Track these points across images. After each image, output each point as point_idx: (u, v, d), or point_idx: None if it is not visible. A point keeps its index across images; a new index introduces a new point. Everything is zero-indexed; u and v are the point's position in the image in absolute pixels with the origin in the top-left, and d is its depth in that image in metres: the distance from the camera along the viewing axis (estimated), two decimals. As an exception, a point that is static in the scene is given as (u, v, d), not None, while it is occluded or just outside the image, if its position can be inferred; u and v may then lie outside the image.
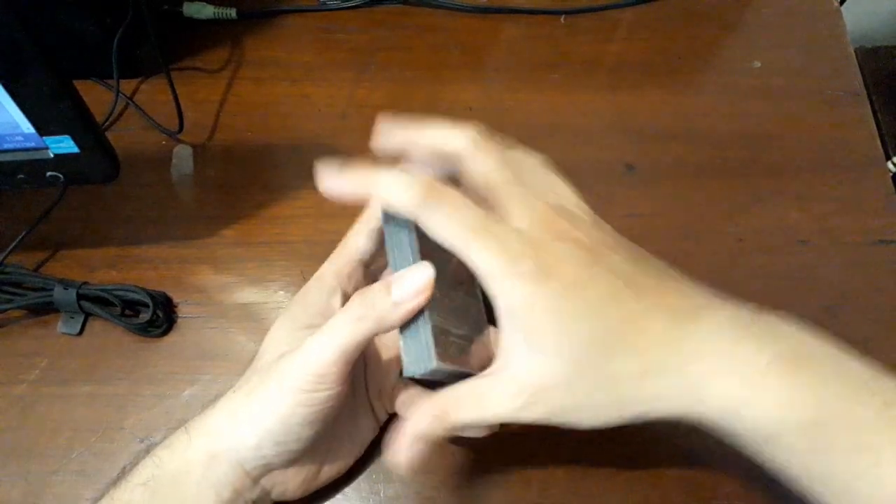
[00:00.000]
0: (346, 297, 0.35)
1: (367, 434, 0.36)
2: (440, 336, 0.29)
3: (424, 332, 0.29)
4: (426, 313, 0.29)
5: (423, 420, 0.29)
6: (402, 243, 0.30)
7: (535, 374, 0.28)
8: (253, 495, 0.32)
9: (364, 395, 0.36)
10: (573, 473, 0.38)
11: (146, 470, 0.31)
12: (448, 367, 0.29)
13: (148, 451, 0.32)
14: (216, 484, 0.31)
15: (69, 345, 0.41)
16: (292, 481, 0.33)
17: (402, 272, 0.30)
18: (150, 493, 0.31)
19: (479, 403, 0.29)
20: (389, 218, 0.31)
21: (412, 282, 0.29)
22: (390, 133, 0.32)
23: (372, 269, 0.37)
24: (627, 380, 0.28)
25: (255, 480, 0.32)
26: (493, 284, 0.27)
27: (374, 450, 0.38)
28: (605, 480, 0.38)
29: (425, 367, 0.29)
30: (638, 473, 0.38)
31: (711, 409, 0.28)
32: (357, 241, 0.35)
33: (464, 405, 0.29)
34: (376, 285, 0.30)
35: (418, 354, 0.29)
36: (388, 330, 0.29)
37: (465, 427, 0.30)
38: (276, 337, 0.34)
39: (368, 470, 0.37)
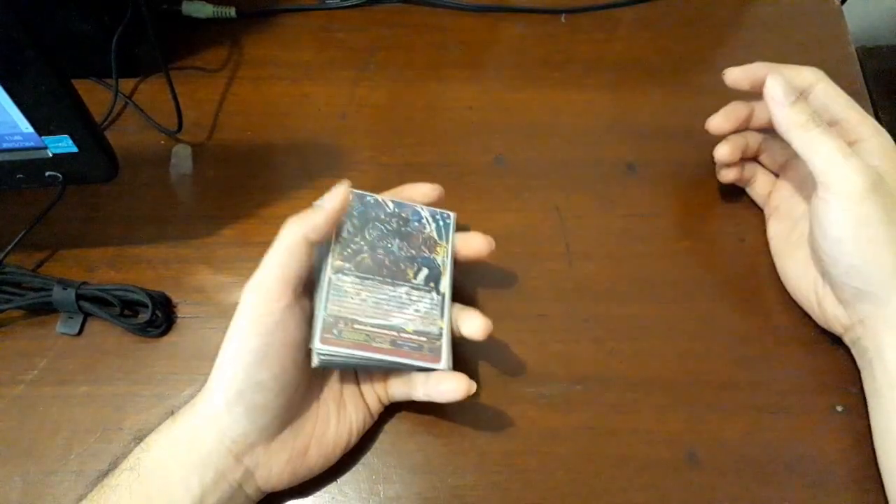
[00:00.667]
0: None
1: (356, 420, 0.37)
2: (340, 323, 0.34)
3: (320, 311, 0.34)
4: (326, 292, 0.34)
5: None
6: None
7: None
8: (237, 475, 0.32)
9: (352, 378, 0.37)
10: (573, 473, 0.38)
11: (133, 455, 0.32)
12: (344, 351, 0.34)
13: (138, 439, 0.33)
14: (199, 465, 0.32)
15: (68, 345, 0.40)
16: (276, 459, 0.33)
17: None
18: (136, 476, 0.31)
19: None
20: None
21: (335, 195, 0.35)
22: (741, 75, 0.41)
23: None
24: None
25: (238, 458, 0.32)
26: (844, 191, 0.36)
27: (373, 450, 0.38)
28: (605, 480, 0.38)
29: (312, 345, 0.34)
30: (638, 473, 0.38)
31: None
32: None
33: None
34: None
35: (315, 331, 0.34)
36: (316, 232, 0.34)
37: None
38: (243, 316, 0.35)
39: (368, 470, 0.37)
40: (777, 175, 0.45)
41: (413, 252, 0.37)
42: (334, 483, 0.37)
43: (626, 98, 0.51)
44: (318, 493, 0.37)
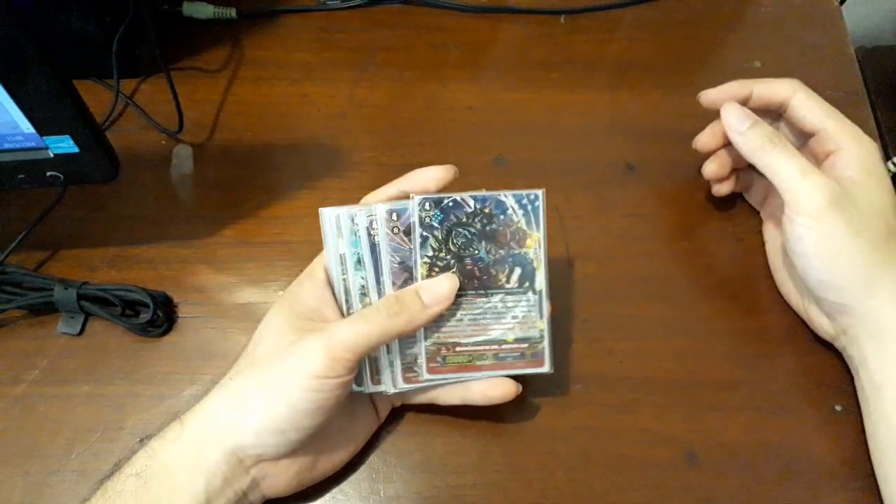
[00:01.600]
0: None
1: (364, 429, 0.37)
2: (442, 350, 0.34)
3: (419, 348, 0.34)
4: (421, 330, 0.34)
5: None
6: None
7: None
8: (243, 485, 0.32)
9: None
10: (573, 473, 0.38)
11: (139, 461, 0.32)
12: (447, 377, 0.34)
13: (142, 443, 0.33)
14: (206, 472, 0.31)
15: (69, 345, 0.41)
16: (284, 473, 0.33)
17: (430, 281, 0.33)
18: (142, 483, 0.31)
19: None
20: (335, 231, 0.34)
21: (441, 289, 0.33)
22: (715, 96, 0.41)
23: None
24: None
25: (247, 470, 0.32)
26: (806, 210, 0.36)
27: (374, 450, 0.38)
28: (605, 480, 0.38)
29: (419, 375, 0.34)
30: (638, 473, 0.38)
31: None
32: None
33: None
34: (409, 290, 0.34)
35: (389, 376, 0.34)
36: (413, 331, 0.33)
37: None
38: (272, 328, 0.34)
39: (368, 469, 0.37)
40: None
41: (502, 252, 0.34)
42: (334, 483, 0.37)
43: (625, 98, 0.51)
44: (318, 493, 0.37)
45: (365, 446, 0.38)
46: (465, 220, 0.34)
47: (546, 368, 0.35)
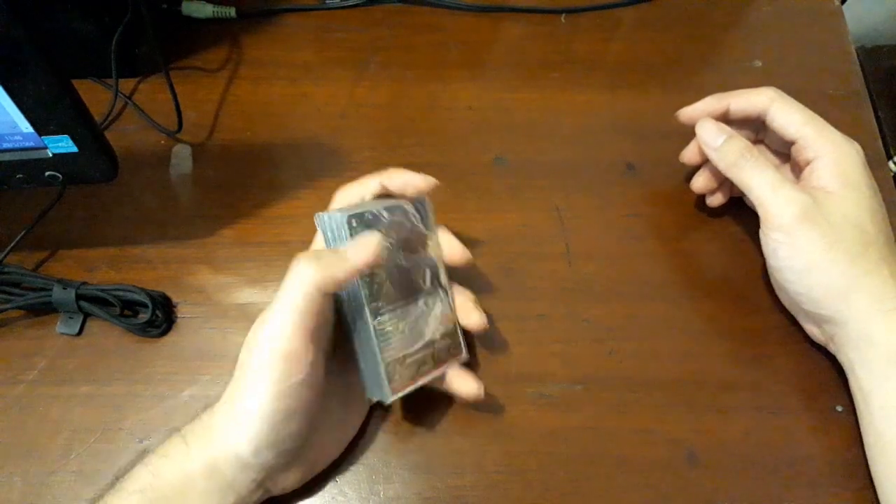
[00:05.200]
0: None
1: (359, 416, 0.37)
2: (396, 366, 0.34)
3: (378, 365, 0.33)
4: (376, 342, 0.33)
5: None
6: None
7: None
8: (255, 497, 0.33)
9: (355, 377, 0.36)
10: (573, 473, 0.38)
11: (142, 478, 0.31)
12: (407, 390, 0.34)
13: (140, 456, 0.32)
14: (218, 491, 0.31)
15: (68, 345, 0.40)
16: (292, 477, 0.34)
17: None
18: (148, 502, 0.30)
19: None
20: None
21: (363, 240, 0.32)
22: (691, 113, 0.41)
23: None
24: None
25: (260, 484, 0.32)
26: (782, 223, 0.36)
27: (374, 450, 0.38)
28: (605, 480, 0.38)
29: (384, 398, 0.33)
30: (638, 473, 0.38)
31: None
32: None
33: None
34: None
35: (377, 384, 0.34)
36: (334, 286, 0.31)
37: None
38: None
39: (368, 470, 0.37)
40: None
41: (415, 257, 0.36)
42: (334, 483, 0.37)
43: (625, 98, 0.51)
44: (318, 493, 0.36)
45: (365, 447, 0.38)
46: (383, 231, 0.34)
47: (463, 355, 0.37)
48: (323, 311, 0.31)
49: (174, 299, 0.42)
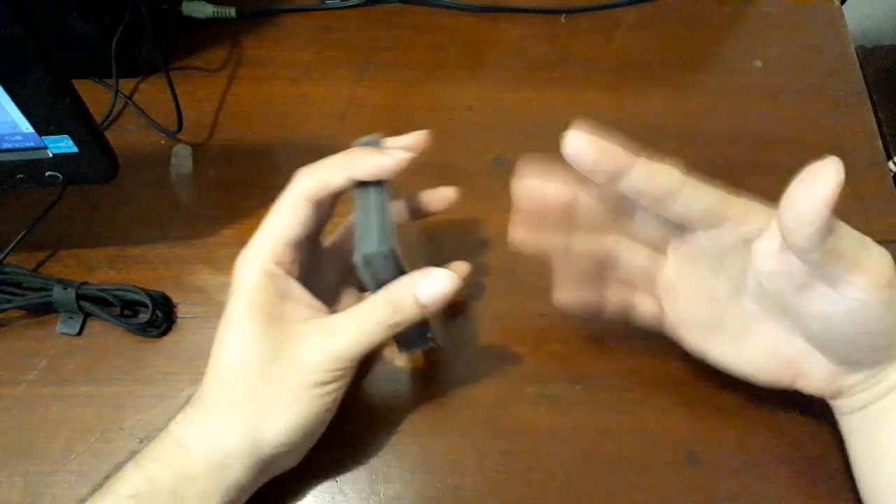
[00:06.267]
0: (300, 278, 0.34)
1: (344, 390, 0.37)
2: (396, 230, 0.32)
3: (385, 216, 0.32)
4: (385, 199, 0.32)
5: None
6: (370, 208, 0.33)
7: None
8: (256, 486, 0.33)
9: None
10: (573, 474, 0.38)
11: (135, 483, 0.30)
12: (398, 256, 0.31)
13: (129, 458, 0.32)
14: (224, 489, 0.31)
15: (68, 345, 0.40)
16: (292, 462, 0.34)
17: (429, 279, 0.31)
18: None
19: None
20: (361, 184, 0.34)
21: (439, 287, 0.31)
22: (585, 151, 0.33)
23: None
24: None
25: (267, 475, 0.33)
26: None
27: (374, 450, 0.38)
28: (605, 480, 0.38)
29: (378, 246, 0.31)
30: (638, 473, 0.38)
31: None
32: (285, 225, 0.35)
33: None
34: (403, 284, 0.31)
35: (372, 236, 0.31)
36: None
37: None
38: (242, 339, 0.32)
39: (368, 470, 0.37)
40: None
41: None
42: (334, 483, 0.37)
43: (626, 98, 0.51)
44: (318, 493, 0.36)
45: (365, 447, 0.38)
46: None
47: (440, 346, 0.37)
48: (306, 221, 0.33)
49: (174, 299, 0.42)
